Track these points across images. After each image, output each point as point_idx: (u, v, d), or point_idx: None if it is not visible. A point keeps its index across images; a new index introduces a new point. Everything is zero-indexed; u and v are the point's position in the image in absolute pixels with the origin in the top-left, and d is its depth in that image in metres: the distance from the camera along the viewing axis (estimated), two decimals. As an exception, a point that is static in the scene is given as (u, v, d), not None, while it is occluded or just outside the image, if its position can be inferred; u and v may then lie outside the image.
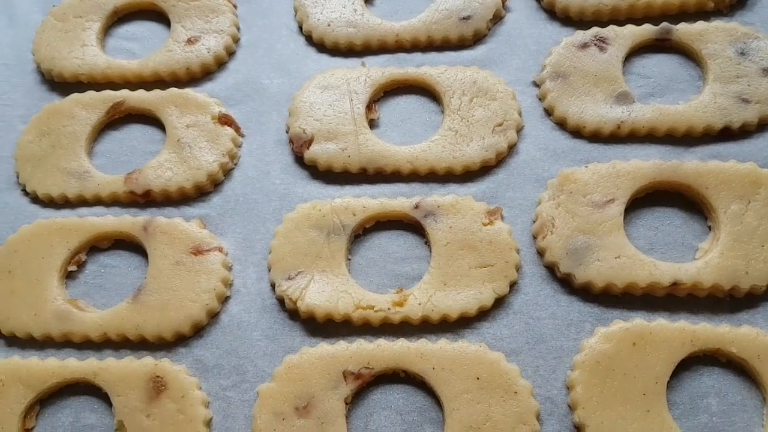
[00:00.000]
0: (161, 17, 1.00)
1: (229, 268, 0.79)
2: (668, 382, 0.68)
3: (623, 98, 0.84)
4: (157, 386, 0.71)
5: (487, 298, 0.73)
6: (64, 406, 0.73)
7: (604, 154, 0.82)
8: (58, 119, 0.90)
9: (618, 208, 0.76)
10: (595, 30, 0.89)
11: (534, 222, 0.78)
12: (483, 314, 0.74)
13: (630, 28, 0.88)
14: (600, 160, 0.81)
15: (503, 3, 0.94)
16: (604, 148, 0.82)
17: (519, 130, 0.85)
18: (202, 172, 0.84)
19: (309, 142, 0.85)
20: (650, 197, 0.79)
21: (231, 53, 0.95)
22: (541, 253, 0.77)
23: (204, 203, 0.84)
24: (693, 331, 0.69)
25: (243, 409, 0.71)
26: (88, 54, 0.95)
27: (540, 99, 0.87)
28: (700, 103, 0.82)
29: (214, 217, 0.83)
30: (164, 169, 0.85)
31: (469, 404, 0.68)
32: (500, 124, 0.84)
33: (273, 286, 0.77)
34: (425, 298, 0.74)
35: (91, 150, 0.90)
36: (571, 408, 0.68)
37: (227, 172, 0.86)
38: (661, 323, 0.70)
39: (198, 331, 0.76)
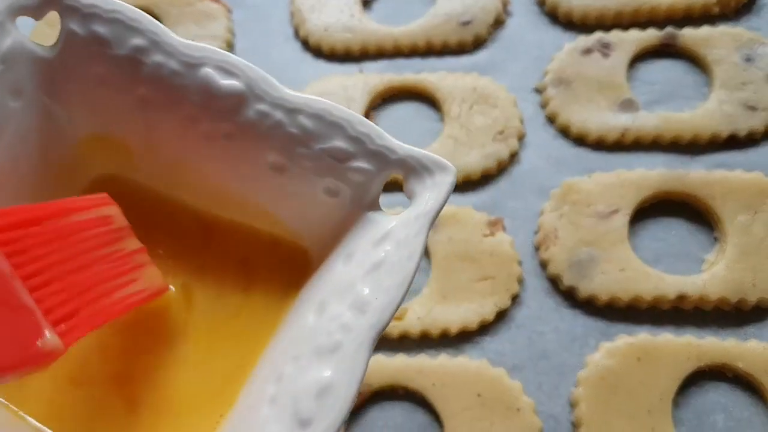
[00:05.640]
0: (155, 22, 0.98)
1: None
2: (674, 399, 0.66)
3: (628, 105, 0.82)
4: None
5: (488, 311, 0.72)
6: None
7: (608, 163, 0.80)
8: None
9: (622, 219, 0.75)
10: (598, 35, 0.87)
11: (536, 233, 0.77)
12: (484, 328, 0.72)
13: (634, 33, 0.86)
14: (604, 168, 0.79)
15: (504, 7, 0.92)
16: (608, 157, 0.81)
17: (520, 138, 0.83)
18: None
19: (306, 151, 0.83)
20: (655, 207, 0.77)
21: (226, 59, 0.93)
22: (543, 265, 0.75)
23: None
24: (699, 346, 0.68)
25: (238, 426, 0.69)
26: (80, 60, 0.93)
27: (542, 106, 0.85)
28: (706, 111, 0.80)
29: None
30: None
31: (470, 422, 0.66)
32: (501, 132, 0.82)
33: (269, 299, 0.76)
34: (424, 312, 0.72)
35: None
36: (575, 426, 0.67)
37: (222, 182, 0.84)
38: (666, 338, 0.69)
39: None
